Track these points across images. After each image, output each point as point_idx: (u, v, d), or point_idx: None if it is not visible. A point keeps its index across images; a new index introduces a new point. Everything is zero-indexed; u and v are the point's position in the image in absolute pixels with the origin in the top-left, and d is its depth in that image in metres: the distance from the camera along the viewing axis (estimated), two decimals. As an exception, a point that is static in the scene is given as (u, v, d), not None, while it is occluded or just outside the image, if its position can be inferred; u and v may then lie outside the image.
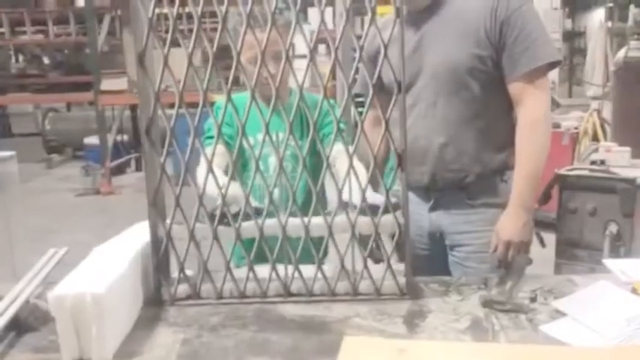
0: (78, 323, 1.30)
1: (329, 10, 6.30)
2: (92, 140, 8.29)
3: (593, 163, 3.39)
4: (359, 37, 1.53)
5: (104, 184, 7.49)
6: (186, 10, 1.48)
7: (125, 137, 8.78)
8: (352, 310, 1.50)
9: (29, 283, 1.60)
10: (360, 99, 2.10)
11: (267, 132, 1.50)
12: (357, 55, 1.55)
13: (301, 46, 1.50)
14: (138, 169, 8.85)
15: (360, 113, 1.56)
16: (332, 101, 1.60)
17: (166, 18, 1.49)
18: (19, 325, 1.45)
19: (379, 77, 1.54)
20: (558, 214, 3.35)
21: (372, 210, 1.53)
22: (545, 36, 1.84)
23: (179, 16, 1.48)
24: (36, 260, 1.74)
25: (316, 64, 1.50)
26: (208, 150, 1.59)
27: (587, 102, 7.05)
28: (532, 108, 1.81)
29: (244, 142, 1.52)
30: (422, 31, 1.89)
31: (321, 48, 7.52)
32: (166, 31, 1.56)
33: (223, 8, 1.48)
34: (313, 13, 7.40)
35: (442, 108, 1.88)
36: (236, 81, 1.52)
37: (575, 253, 3.30)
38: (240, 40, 1.48)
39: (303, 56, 1.52)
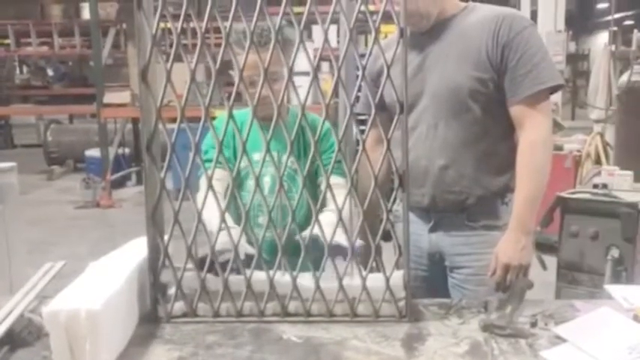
0: (72, 339, 1.28)
1: (333, 29, 6.33)
2: (93, 153, 8.29)
3: (595, 186, 3.38)
4: (362, 56, 1.53)
5: (104, 197, 7.47)
6: (190, 25, 1.48)
7: (126, 150, 8.79)
8: (350, 332, 1.48)
9: (24, 297, 1.58)
10: (362, 117, 2.10)
11: (268, 150, 1.49)
12: (359, 74, 1.54)
13: (303, 63, 1.50)
14: (139, 182, 8.82)
15: (362, 132, 1.55)
16: (327, 123, 1.59)
17: (170, 32, 1.49)
18: (13, 340, 1.43)
19: (381, 97, 1.53)
20: (560, 238, 3.33)
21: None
22: (548, 59, 1.83)
23: (182, 31, 1.48)
24: (33, 273, 1.72)
25: (318, 82, 1.50)
26: (206, 175, 1.59)
27: (590, 125, 7.05)
28: (533, 131, 1.80)
29: (241, 162, 1.51)
30: (424, 53, 1.88)
31: (324, 66, 7.54)
32: (170, 45, 1.56)
33: (227, 24, 1.48)
34: (317, 30, 7.42)
35: (443, 130, 1.87)
36: (238, 97, 1.52)
37: (576, 276, 3.28)
38: (242, 58, 1.48)
39: (305, 73, 1.52)
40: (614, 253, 3.06)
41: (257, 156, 1.76)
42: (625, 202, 3.10)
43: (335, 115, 5.38)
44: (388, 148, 1.48)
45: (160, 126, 1.52)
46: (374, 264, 1.56)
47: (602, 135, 5.19)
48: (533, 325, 1.46)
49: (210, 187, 1.53)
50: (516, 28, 1.78)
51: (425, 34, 1.89)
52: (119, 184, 8.30)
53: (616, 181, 3.45)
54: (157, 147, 1.53)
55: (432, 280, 2.01)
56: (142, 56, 1.49)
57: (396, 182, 1.49)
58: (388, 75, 1.45)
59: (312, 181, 1.56)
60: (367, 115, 2.04)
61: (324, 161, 1.67)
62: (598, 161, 4.93)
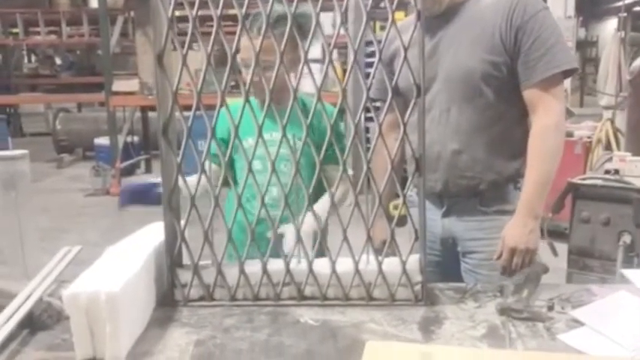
0: (92, 322, 1.29)
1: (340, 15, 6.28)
2: (102, 141, 8.32)
3: (607, 172, 3.37)
4: (370, 42, 1.53)
5: (114, 184, 7.50)
6: (199, 13, 1.48)
7: (135, 139, 8.80)
8: (366, 315, 1.48)
9: (42, 281, 1.59)
10: (375, 104, 2.10)
11: (261, 134, 1.51)
12: (371, 59, 1.54)
13: (313, 51, 1.50)
14: (147, 170, 8.87)
15: (368, 119, 1.56)
16: (330, 108, 1.58)
17: (180, 20, 1.49)
18: (33, 323, 1.44)
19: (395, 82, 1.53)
20: (571, 224, 3.32)
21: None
22: (562, 43, 1.81)
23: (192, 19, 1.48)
24: (46, 259, 1.74)
25: (334, 68, 1.50)
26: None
27: (599, 111, 7.01)
28: (546, 115, 1.78)
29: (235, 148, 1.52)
30: (437, 37, 1.88)
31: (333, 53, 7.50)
32: (179, 34, 1.56)
33: (243, 10, 1.48)
34: (326, 18, 7.39)
35: (456, 114, 1.86)
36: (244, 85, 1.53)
37: (588, 263, 3.27)
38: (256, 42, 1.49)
39: (314, 61, 1.51)
40: (626, 239, 3.05)
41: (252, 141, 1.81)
42: (637, 187, 3.09)
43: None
44: (405, 132, 1.48)
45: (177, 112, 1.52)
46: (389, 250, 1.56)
47: (612, 121, 5.16)
48: (550, 308, 1.46)
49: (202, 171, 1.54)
50: (530, 10, 1.77)
51: (438, 17, 1.87)
52: (128, 171, 8.33)
53: (627, 167, 3.43)
54: (173, 132, 1.54)
55: (445, 265, 2.02)
56: (157, 41, 1.49)
57: (410, 168, 1.49)
58: (405, 57, 1.44)
59: (313, 167, 1.56)
60: (380, 100, 2.06)
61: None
62: (608, 147, 4.90)
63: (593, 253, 3.25)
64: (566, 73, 1.81)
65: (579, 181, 3.29)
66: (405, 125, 1.48)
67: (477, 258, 1.95)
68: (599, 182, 3.29)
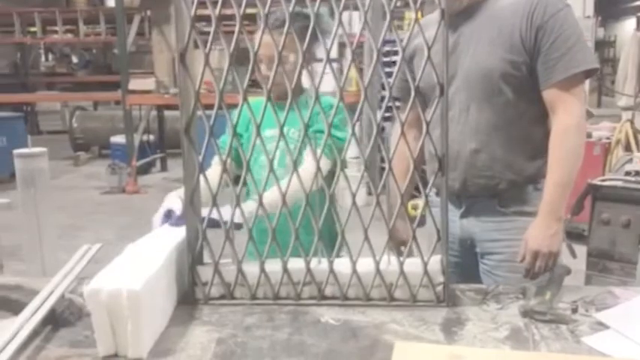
0: (113, 319, 1.30)
1: (355, 15, 6.29)
2: (118, 139, 8.36)
3: (627, 174, 3.33)
4: (387, 42, 1.52)
5: (130, 182, 7.54)
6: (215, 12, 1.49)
7: (151, 137, 8.85)
8: (388, 316, 1.48)
9: (64, 279, 1.60)
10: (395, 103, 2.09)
11: (259, 133, 1.51)
12: (386, 59, 1.53)
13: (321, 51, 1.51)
14: (163, 169, 8.91)
15: (385, 119, 1.55)
16: (327, 100, 1.58)
17: (198, 19, 1.50)
18: (55, 320, 1.45)
19: (415, 80, 1.52)
20: (590, 226, 3.29)
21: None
22: (583, 42, 1.78)
23: (207, 18, 1.49)
24: (64, 257, 1.74)
25: (357, 67, 1.50)
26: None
27: (616, 112, 6.93)
28: (566, 115, 1.76)
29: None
30: (457, 35, 1.86)
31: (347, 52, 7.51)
32: (199, 33, 1.56)
33: (266, 9, 1.48)
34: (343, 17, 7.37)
35: (475, 113, 1.84)
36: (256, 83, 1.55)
37: (607, 265, 3.25)
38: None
39: (331, 60, 1.51)
40: (647, 241, 3.02)
41: (268, 132, 1.81)
42: (659, 189, 3.06)
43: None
44: (428, 132, 1.47)
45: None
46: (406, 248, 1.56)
47: (632, 122, 5.10)
48: (574, 311, 1.45)
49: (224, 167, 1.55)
50: (551, 10, 1.74)
51: (457, 15, 1.86)
52: (144, 170, 8.37)
53: (648, 169, 3.39)
54: (195, 130, 1.54)
55: (464, 266, 2.00)
56: (180, 39, 1.49)
57: (428, 167, 1.48)
58: (429, 56, 1.43)
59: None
60: (398, 99, 2.04)
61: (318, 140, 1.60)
62: (628, 148, 4.85)
63: (613, 255, 3.22)
64: (587, 73, 1.79)
65: (599, 183, 3.26)
66: (427, 124, 1.47)
67: (495, 259, 1.93)
68: (620, 184, 3.26)
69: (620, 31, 17.78)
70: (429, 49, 1.43)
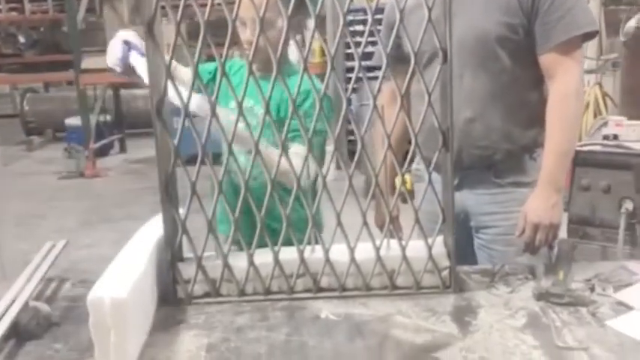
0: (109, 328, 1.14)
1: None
2: (74, 121, 8.00)
3: (605, 137, 3.28)
4: (352, 11, 1.38)
5: (88, 166, 7.24)
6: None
7: (108, 117, 8.53)
8: (392, 307, 1.35)
9: (27, 282, 1.43)
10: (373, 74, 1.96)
11: (239, 104, 1.37)
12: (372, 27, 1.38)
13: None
14: (122, 150, 8.62)
15: (353, 90, 1.42)
16: (307, 84, 1.42)
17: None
18: (19, 332, 1.28)
19: (399, 47, 1.43)
20: (570, 192, 3.23)
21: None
22: (582, 3, 1.71)
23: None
24: (25, 247, 1.57)
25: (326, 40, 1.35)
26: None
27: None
28: (565, 81, 1.69)
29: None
30: None
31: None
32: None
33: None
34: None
35: (469, 81, 1.76)
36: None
37: (588, 231, 3.19)
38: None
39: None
40: (628, 205, 2.98)
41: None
42: (638, 152, 3.01)
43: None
44: (430, 103, 1.34)
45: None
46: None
47: (600, 85, 5.08)
48: (592, 291, 1.35)
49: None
50: None
51: None
52: (102, 152, 8.07)
53: (624, 132, 3.34)
54: (168, 111, 1.37)
55: (457, 242, 1.89)
56: (146, 8, 1.31)
57: (413, 140, 1.36)
58: (430, 19, 1.29)
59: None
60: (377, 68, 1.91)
61: (293, 126, 1.43)
62: (598, 112, 4.83)
63: (593, 221, 3.16)
64: (587, 36, 1.71)
65: (578, 148, 3.19)
66: (402, 97, 1.35)
67: (491, 233, 1.85)
68: (599, 148, 3.20)
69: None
70: (430, 10, 1.29)
